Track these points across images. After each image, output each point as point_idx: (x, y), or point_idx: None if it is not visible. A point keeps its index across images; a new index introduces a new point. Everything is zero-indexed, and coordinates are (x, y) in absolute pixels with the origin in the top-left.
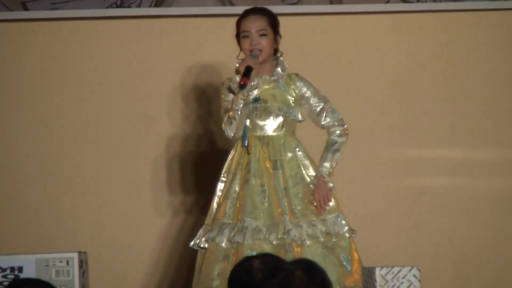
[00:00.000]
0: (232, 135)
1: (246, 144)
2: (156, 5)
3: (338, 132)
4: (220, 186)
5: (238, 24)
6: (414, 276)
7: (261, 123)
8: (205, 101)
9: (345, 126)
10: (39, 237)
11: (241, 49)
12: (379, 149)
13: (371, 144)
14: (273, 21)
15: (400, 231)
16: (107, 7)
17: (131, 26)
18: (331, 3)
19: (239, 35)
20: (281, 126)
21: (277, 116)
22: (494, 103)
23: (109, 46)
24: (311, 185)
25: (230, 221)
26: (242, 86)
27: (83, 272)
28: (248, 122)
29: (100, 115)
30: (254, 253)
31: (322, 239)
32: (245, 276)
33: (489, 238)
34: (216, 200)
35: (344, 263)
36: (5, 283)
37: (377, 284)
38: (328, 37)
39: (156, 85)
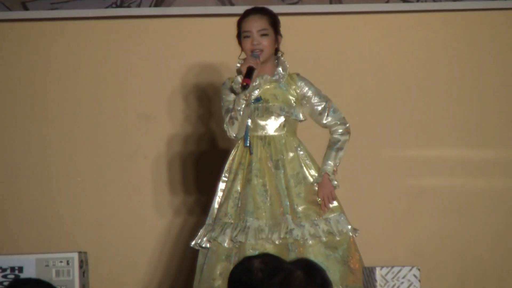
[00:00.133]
0: (234, 135)
1: (248, 144)
2: (156, 5)
3: (340, 130)
4: (221, 185)
5: (239, 24)
6: (414, 276)
7: (262, 123)
8: (205, 101)
9: (348, 125)
10: (39, 237)
11: (242, 49)
12: (379, 149)
13: (371, 144)
14: (274, 21)
15: (400, 231)
16: (107, 7)
17: (131, 26)
18: (331, 3)
19: (240, 35)
20: (282, 126)
21: (278, 116)
22: (494, 103)
23: (109, 46)
24: (315, 183)
25: (232, 221)
26: (244, 87)
27: (83, 272)
28: (249, 122)
29: (100, 115)
30: (257, 253)
31: (324, 239)
32: (245, 276)
33: (489, 238)
34: (217, 199)
35: (347, 262)
36: (5, 283)
37: (377, 284)
38: (328, 37)
39: (156, 85)
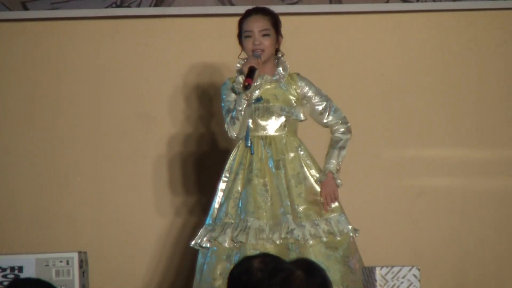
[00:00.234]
0: (236, 135)
1: (249, 144)
2: (156, 5)
3: (342, 129)
4: (222, 185)
5: (240, 24)
6: (414, 276)
7: (263, 123)
8: (206, 101)
9: (349, 124)
10: (39, 237)
11: (243, 49)
12: (379, 149)
13: (371, 144)
14: (275, 22)
15: (400, 231)
16: (107, 7)
17: (131, 26)
18: (330, 3)
19: (241, 35)
20: (283, 126)
21: (279, 116)
22: (493, 103)
23: (109, 46)
24: (319, 181)
25: (232, 221)
26: (246, 87)
27: (83, 272)
28: (250, 122)
29: (100, 115)
30: (257, 253)
31: (325, 239)
32: (244, 275)
33: (489, 238)
34: (217, 199)
35: (347, 262)
36: (5, 283)
37: (377, 284)
38: (328, 37)
39: (156, 85)
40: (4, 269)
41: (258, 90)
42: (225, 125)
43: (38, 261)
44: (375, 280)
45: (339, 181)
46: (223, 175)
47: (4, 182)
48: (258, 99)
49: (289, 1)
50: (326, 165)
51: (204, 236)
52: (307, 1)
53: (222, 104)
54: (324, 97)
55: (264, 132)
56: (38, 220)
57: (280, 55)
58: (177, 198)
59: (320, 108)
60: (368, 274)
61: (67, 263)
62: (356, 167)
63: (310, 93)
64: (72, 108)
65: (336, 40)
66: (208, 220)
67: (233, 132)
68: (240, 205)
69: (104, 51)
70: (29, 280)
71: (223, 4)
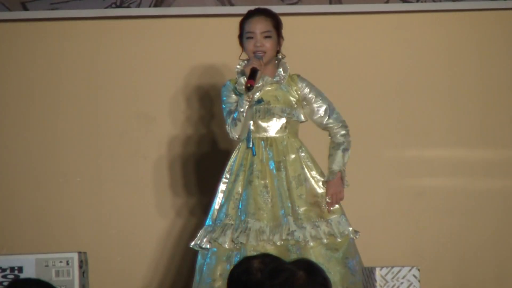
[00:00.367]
0: (237, 136)
1: (251, 146)
2: (156, 5)
3: (343, 132)
4: (222, 187)
5: (242, 25)
6: (414, 276)
7: (264, 124)
8: (206, 101)
9: (348, 128)
10: (39, 237)
11: (244, 50)
12: (379, 149)
13: (371, 144)
14: (277, 23)
15: (400, 231)
16: (107, 7)
17: (131, 26)
18: (330, 3)
19: (243, 36)
20: (284, 128)
21: (280, 117)
22: (493, 103)
23: (109, 46)
24: (326, 181)
25: (233, 222)
26: (248, 88)
27: (83, 272)
28: (251, 123)
29: (101, 115)
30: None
31: (325, 241)
32: (244, 276)
33: (489, 238)
34: (217, 201)
35: (347, 264)
36: (5, 283)
37: (377, 284)
38: (328, 37)
39: (156, 85)
40: (4, 269)
41: (259, 91)
42: (227, 127)
43: (38, 261)
44: (375, 280)
45: (347, 181)
46: (224, 176)
47: (4, 182)
48: (259, 101)
49: (289, 1)
50: (333, 165)
51: (204, 237)
52: (307, 1)
53: (223, 105)
54: (325, 100)
55: (265, 134)
56: (38, 220)
57: (281, 57)
58: (177, 198)
59: (320, 110)
60: (368, 275)
61: (67, 263)
62: (356, 167)
63: (310, 95)
64: (72, 108)
65: (336, 40)
66: (208, 221)
67: (234, 134)
68: (240, 207)
69: (104, 51)
70: (29, 281)
71: (223, 4)
